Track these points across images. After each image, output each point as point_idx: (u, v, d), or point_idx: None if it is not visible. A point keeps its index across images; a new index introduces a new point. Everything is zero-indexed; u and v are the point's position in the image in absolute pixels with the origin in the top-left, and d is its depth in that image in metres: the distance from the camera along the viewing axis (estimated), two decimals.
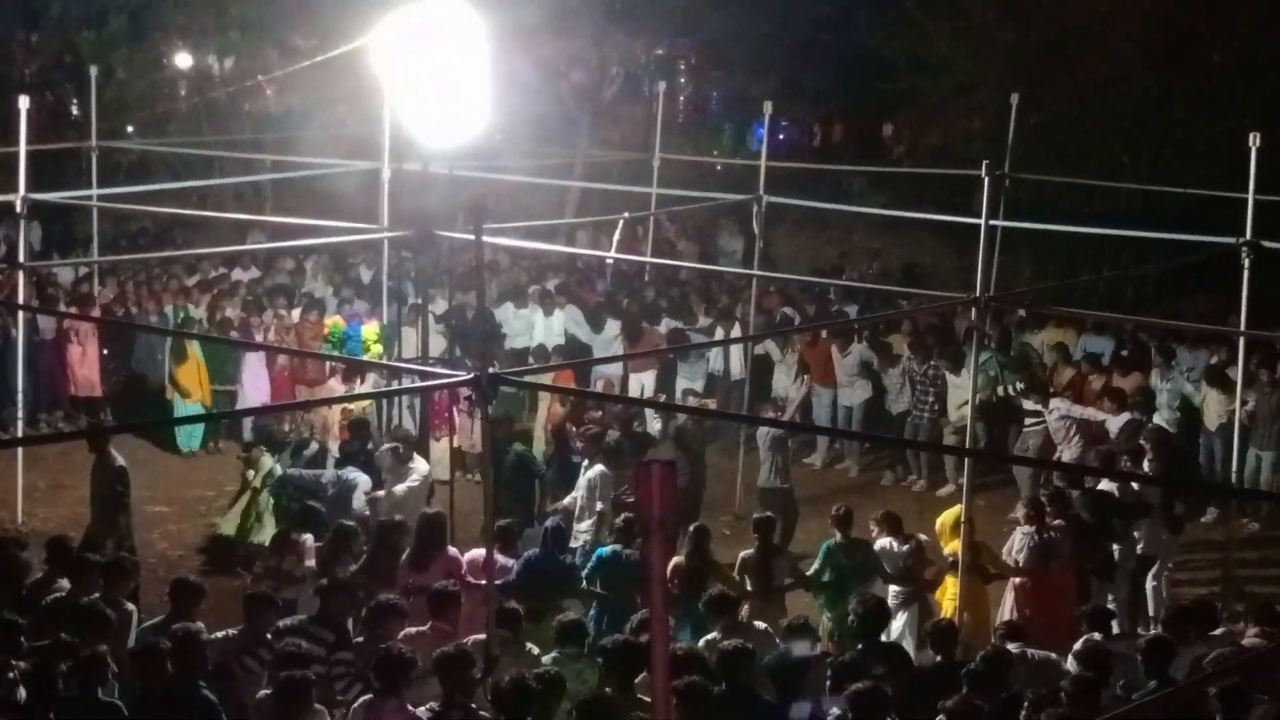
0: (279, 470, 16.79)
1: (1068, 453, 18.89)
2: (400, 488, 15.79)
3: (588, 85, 33.50)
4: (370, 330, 21.64)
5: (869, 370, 21.52)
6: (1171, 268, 21.95)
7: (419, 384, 16.75)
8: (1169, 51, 26.84)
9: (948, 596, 14.30)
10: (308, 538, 14.05)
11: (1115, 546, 15.56)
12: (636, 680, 10.42)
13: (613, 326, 22.61)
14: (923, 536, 14.77)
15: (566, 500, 16.58)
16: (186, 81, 33.61)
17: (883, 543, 14.57)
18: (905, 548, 14.50)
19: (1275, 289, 16.63)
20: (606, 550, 14.09)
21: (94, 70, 24.52)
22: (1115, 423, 18.59)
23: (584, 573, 14.07)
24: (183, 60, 33.53)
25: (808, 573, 14.38)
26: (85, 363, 21.65)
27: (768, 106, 21.56)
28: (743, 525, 18.02)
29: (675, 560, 13.97)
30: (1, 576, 12.34)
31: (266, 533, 16.01)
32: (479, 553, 13.32)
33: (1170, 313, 22.74)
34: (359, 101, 24.28)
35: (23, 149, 17.32)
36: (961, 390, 19.63)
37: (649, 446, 17.15)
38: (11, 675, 10.28)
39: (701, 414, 19.55)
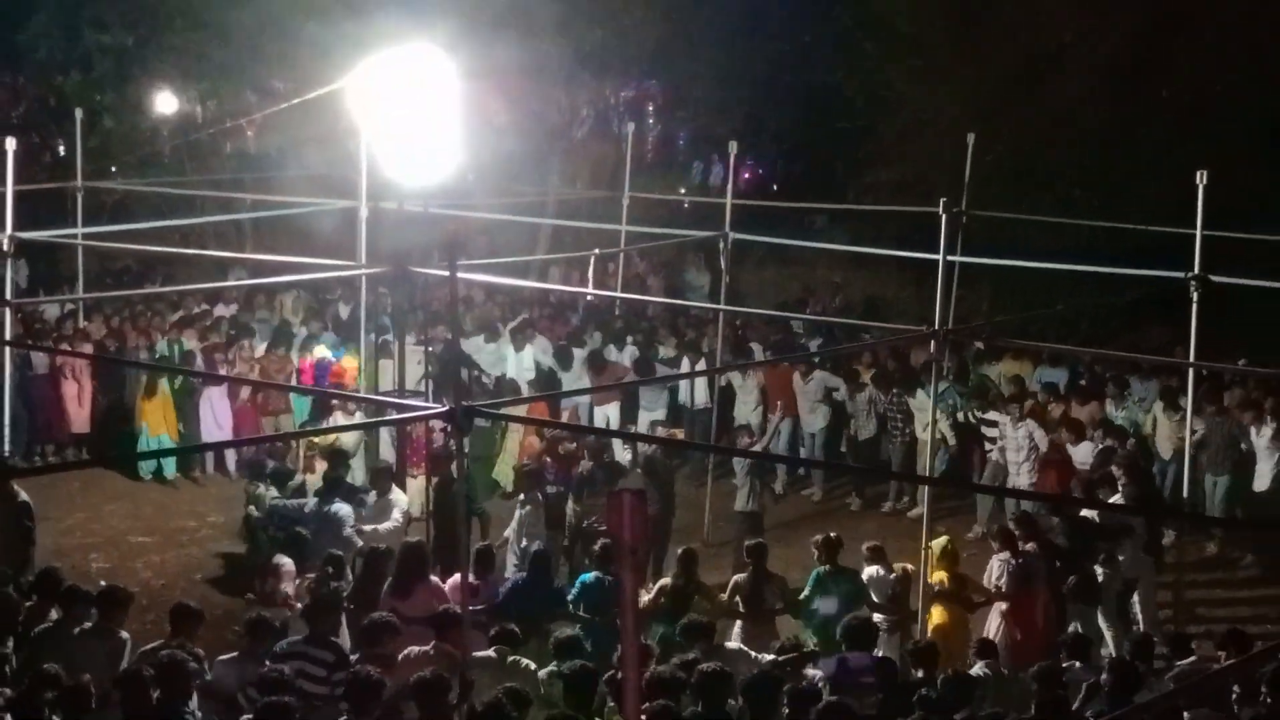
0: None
1: (1024, 476, 19.04)
2: (384, 526, 15.75)
3: (558, 125, 33.56)
4: (351, 360, 21.70)
5: (830, 397, 21.59)
6: (1123, 301, 22.08)
7: (395, 416, 16.78)
8: (1119, 90, 27.04)
9: (932, 624, 14.39)
10: (288, 562, 14.13)
11: (1099, 570, 15.59)
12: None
13: (580, 359, 22.66)
14: (909, 566, 14.78)
15: (507, 532, 16.66)
16: (169, 123, 33.56)
17: (870, 570, 14.66)
18: (893, 576, 14.54)
19: (1221, 321, 16.77)
20: (589, 576, 14.22)
21: (79, 112, 24.54)
22: (1075, 451, 18.70)
23: (569, 597, 14.13)
24: (166, 103, 33.46)
25: (798, 599, 14.42)
26: (79, 398, 21.61)
27: (733, 145, 21.61)
28: (711, 552, 18.07)
29: (663, 582, 14.12)
30: None
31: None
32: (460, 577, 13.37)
33: (1124, 344, 22.86)
34: (336, 142, 24.30)
35: (9, 189, 17.24)
36: (925, 415, 19.73)
37: (620, 476, 17.21)
38: None
39: (676, 445, 19.57)
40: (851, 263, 29.28)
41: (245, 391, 21.34)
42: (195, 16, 30.51)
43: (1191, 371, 17.22)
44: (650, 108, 40.30)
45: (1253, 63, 26.03)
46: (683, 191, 37.07)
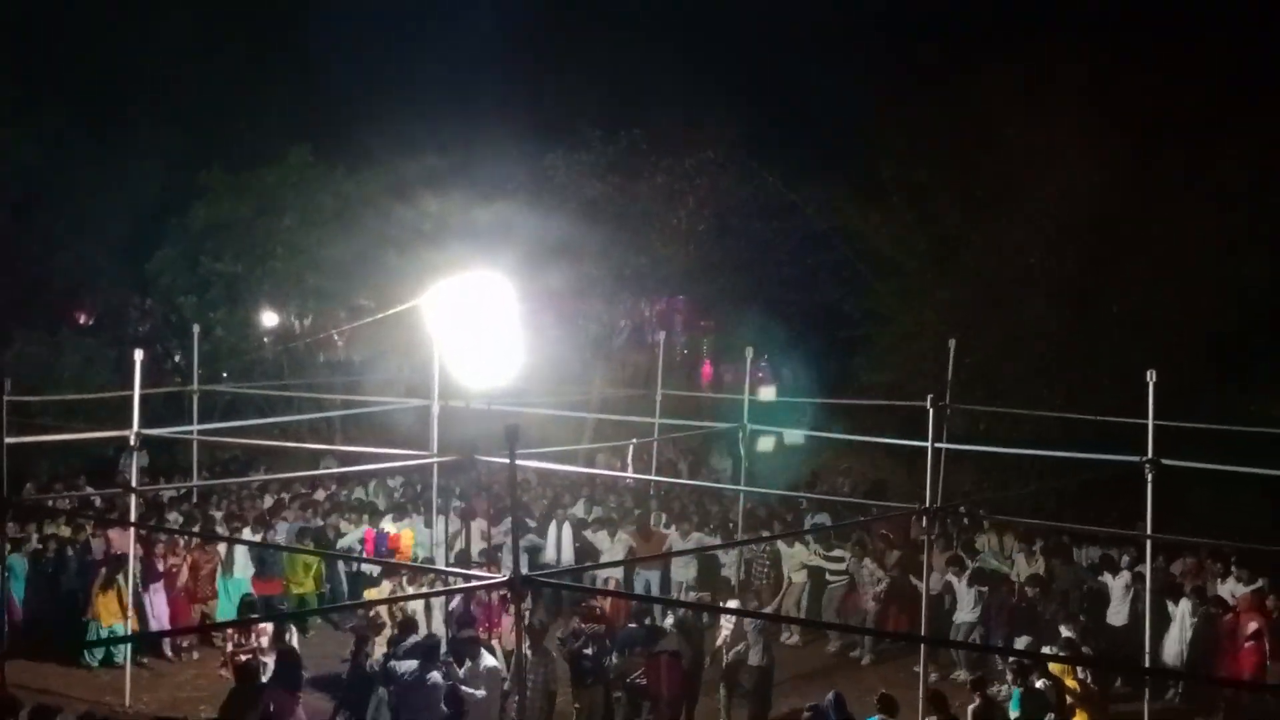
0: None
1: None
2: (481, 693, 15.29)
3: (600, 335, 33.88)
4: (408, 534, 21.61)
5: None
6: (1085, 481, 21.91)
7: (462, 585, 16.62)
8: (1076, 302, 27.19)
9: None
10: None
11: None
12: None
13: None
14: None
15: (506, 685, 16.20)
16: (271, 335, 33.96)
17: (1040, 684, 15.07)
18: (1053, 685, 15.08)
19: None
20: None
21: (195, 328, 24.81)
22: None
23: None
24: (268, 318, 33.94)
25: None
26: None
27: (749, 352, 21.74)
28: (737, 702, 17.69)
29: None
30: None
31: None
32: None
33: (1083, 517, 22.69)
34: (413, 350, 24.50)
35: (136, 392, 17.55)
36: (793, 559, 21.30)
37: (659, 636, 16.85)
38: None
39: (702, 609, 19.24)
40: (851, 450, 29.20)
41: (181, 582, 20.20)
42: (293, 247, 31.10)
43: (1150, 543, 17.00)
44: (678, 319, 40.63)
45: (1191, 280, 26.17)
46: (706, 389, 37.12)
